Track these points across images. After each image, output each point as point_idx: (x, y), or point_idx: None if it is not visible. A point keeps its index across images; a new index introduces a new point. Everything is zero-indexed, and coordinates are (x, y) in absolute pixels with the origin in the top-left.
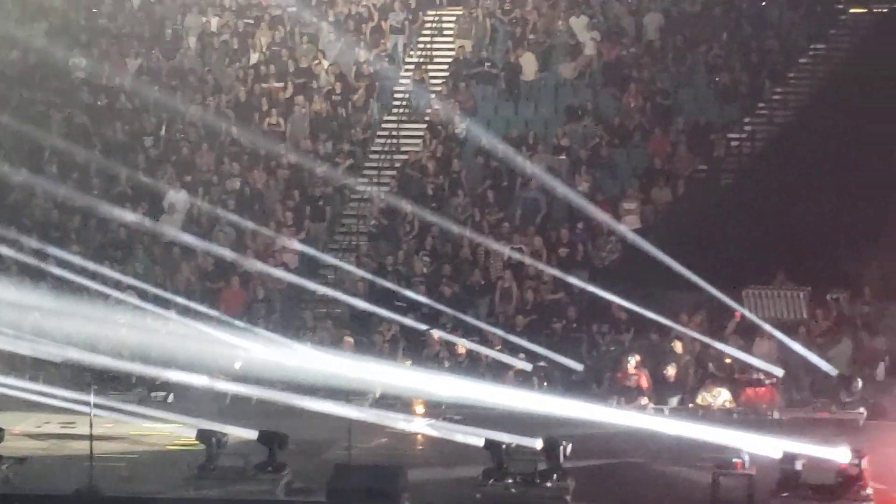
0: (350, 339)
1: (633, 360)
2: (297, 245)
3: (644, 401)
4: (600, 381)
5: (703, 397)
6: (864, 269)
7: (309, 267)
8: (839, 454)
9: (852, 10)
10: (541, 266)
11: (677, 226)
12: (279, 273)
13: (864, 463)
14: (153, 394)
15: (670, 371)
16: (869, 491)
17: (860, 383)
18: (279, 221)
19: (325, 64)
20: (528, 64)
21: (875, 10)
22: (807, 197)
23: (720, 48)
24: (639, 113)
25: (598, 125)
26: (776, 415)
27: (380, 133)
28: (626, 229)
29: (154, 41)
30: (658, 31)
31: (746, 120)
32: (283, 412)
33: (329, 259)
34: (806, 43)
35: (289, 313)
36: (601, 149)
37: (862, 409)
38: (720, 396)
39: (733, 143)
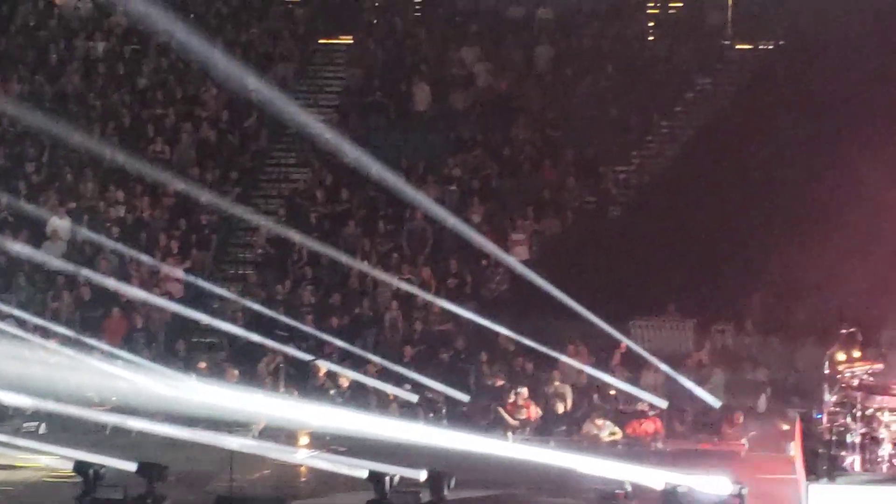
0: (234, 370)
1: (520, 392)
2: (182, 274)
3: (529, 432)
4: (486, 412)
5: (589, 428)
6: (748, 302)
7: (194, 296)
8: (721, 485)
9: (738, 46)
10: (429, 297)
11: (566, 257)
12: (163, 302)
13: (746, 494)
14: (25, 424)
15: (556, 402)
16: None
17: (741, 415)
18: (164, 250)
19: (214, 91)
20: (420, 94)
21: (760, 47)
22: (693, 230)
23: (609, 81)
24: (529, 144)
25: (488, 156)
26: (660, 446)
27: (268, 161)
28: (514, 260)
29: (38, 65)
30: (549, 63)
31: (634, 153)
32: (165, 444)
33: (215, 288)
34: (693, 77)
35: (172, 343)
36: (491, 180)
37: (744, 441)
38: (605, 428)
39: (621, 176)
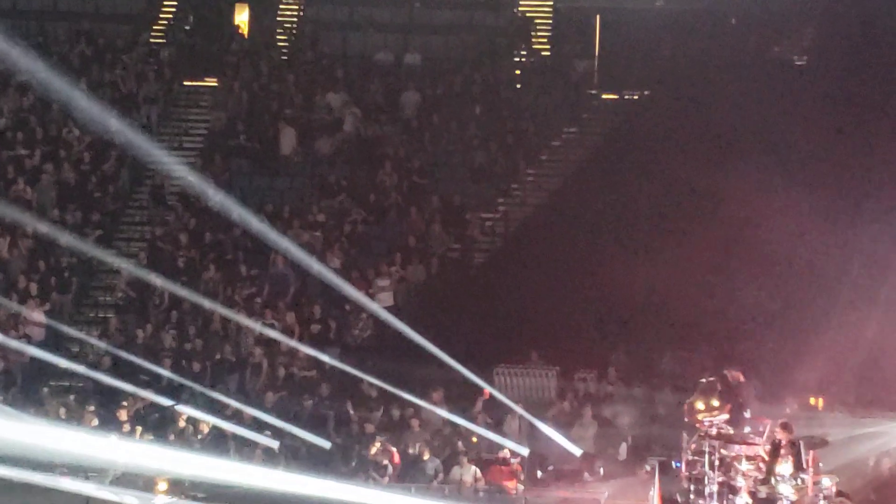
0: (93, 415)
1: (382, 438)
2: (42, 317)
3: (391, 478)
4: (348, 458)
5: (452, 474)
6: (611, 350)
7: (53, 339)
8: None
9: (604, 96)
10: (293, 342)
11: (430, 304)
12: (21, 346)
13: None
14: None
15: (419, 449)
16: None
17: (601, 463)
18: (23, 292)
19: (76, 132)
20: (286, 138)
21: (626, 97)
22: (558, 278)
23: (476, 128)
24: (395, 190)
25: (353, 202)
26: (520, 493)
27: (130, 204)
28: (379, 307)
29: None
30: (415, 109)
31: (500, 200)
32: (20, 488)
33: (74, 332)
34: (559, 126)
35: (30, 387)
36: (356, 225)
37: (604, 489)
38: (468, 474)
39: (487, 223)
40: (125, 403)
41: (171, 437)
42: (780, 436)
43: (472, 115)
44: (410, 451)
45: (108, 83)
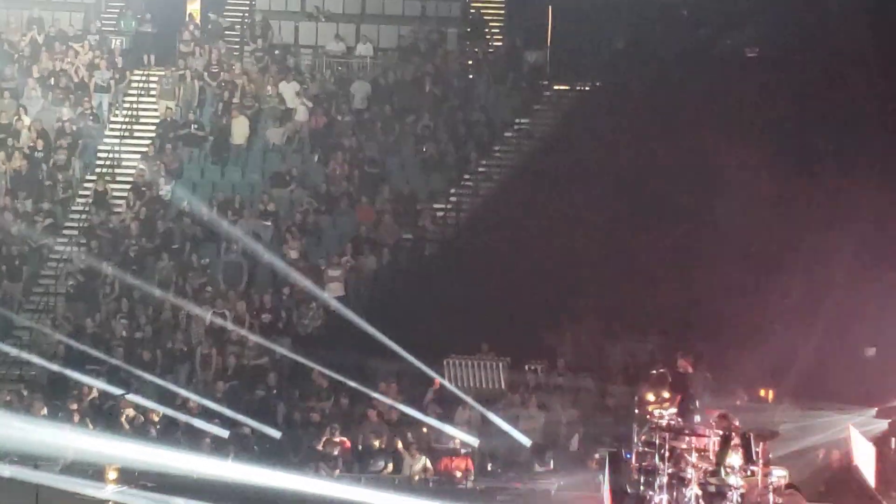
0: (41, 403)
1: (331, 429)
2: None
3: (341, 469)
4: (298, 448)
5: (403, 465)
6: (561, 341)
7: (2, 328)
8: None
9: (556, 87)
10: (243, 332)
11: (381, 294)
12: None
13: None
14: None
15: (369, 439)
16: None
17: (552, 454)
18: None
19: (27, 121)
20: (238, 127)
21: (577, 88)
22: (508, 269)
23: (428, 119)
24: (346, 180)
25: (305, 191)
26: (471, 484)
27: (81, 192)
28: (329, 296)
29: None
30: (365, 99)
31: (452, 191)
32: None
33: (24, 320)
34: (511, 117)
35: None
36: (308, 215)
37: (554, 480)
38: (418, 464)
39: (439, 214)
40: (75, 392)
41: (122, 426)
42: (719, 427)
43: (424, 105)
44: (362, 442)
45: (60, 71)
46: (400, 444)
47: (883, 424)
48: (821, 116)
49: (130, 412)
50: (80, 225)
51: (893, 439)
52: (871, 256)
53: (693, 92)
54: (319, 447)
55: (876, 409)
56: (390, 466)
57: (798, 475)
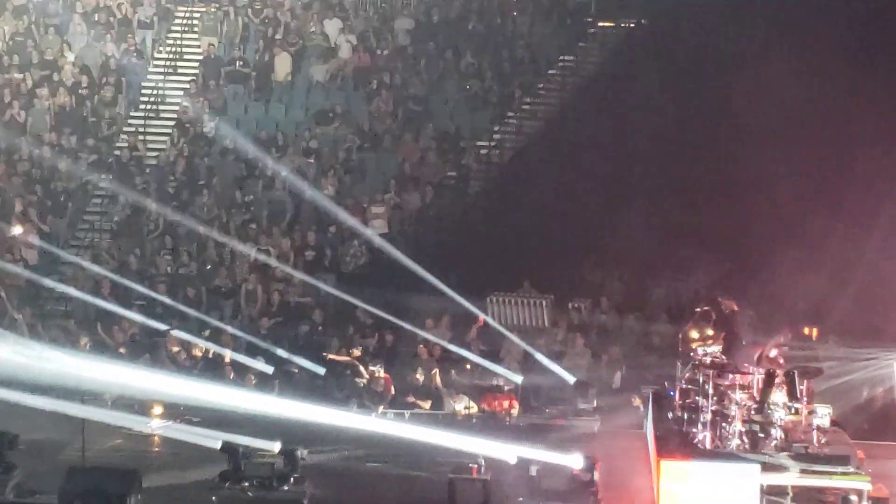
0: (85, 338)
1: (377, 366)
2: (36, 241)
3: (385, 405)
4: (342, 385)
5: (446, 402)
6: (605, 279)
7: (48, 263)
8: (573, 460)
9: (601, 24)
10: (287, 269)
11: (425, 232)
12: (17, 269)
13: (598, 469)
14: None
15: (414, 376)
16: (600, 497)
17: (595, 391)
18: (19, 216)
19: (71, 57)
20: (281, 65)
21: (622, 24)
22: (553, 207)
23: (472, 57)
24: (390, 118)
25: (348, 129)
26: (514, 421)
27: (126, 129)
28: (373, 234)
29: None
30: (409, 36)
31: (496, 128)
32: (15, 411)
33: (69, 256)
34: (556, 54)
35: (25, 310)
36: (351, 153)
37: (597, 417)
38: (461, 402)
39: (482, 152)
40: (120, 327)
41: (166, 361)
42: (772, 363)
43: (468, 43)
44: (406, 377)
45: (104, 7)
46: (440, 383)
47: None
48: (869, 37)
49: (175, 347)
50: (125, 161)
51: None
52: None
53: (739, 28)
54: (363, 383)
55: None
56: (435, 403)
57: (842, 413)
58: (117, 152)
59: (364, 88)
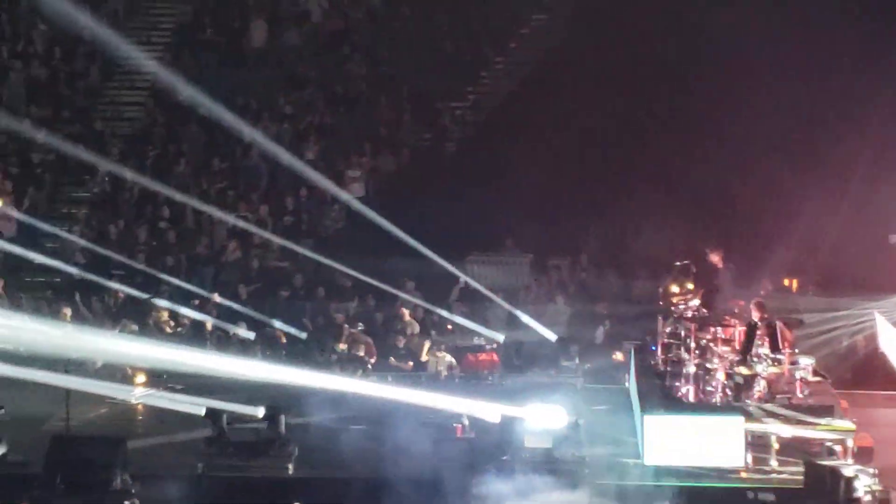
0: (67, 309)
1: (357, 327)
2: (15, 213)
3: (368, 367)
4: (324, 348)
5: (429, 359)
6: (585, 236)
7: (28, 235)
8: (558, 417)
9: None
10: (266, 234)
11: (402, 194)
12: None
13: (582, 425)
14: None
15: (397, 338)
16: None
17: (577, 348)
18: None
19: (43, 27)
20: (255, 31)
21: None
22: (529, 165)
23: (443, 16)
24: (363, 81)
25: (322, 93)
26: (497, 379)
27: (100, 100)
28: (350, 197)
29: None
30: None
31: (470, 89)
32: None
33: (48, 227)
34: (528, 12)
35: (6, 282)
36: (325, 117)
37: (580, 373)
38: (443, 362)
39: (457, 112)
40: (101, 297)
41: (148, 329)
42: (755, 316)
43: (439, 3)
44: (388, 339)
45: None
46: (426, 344)
47: None
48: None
49: (157, 315)
50: (101, 132)
51: None
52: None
53: None
54: (344, 346)
55: None
56: (418, 364)
57: (824, 363)
58: (94, 123)
59: (336, 52)
